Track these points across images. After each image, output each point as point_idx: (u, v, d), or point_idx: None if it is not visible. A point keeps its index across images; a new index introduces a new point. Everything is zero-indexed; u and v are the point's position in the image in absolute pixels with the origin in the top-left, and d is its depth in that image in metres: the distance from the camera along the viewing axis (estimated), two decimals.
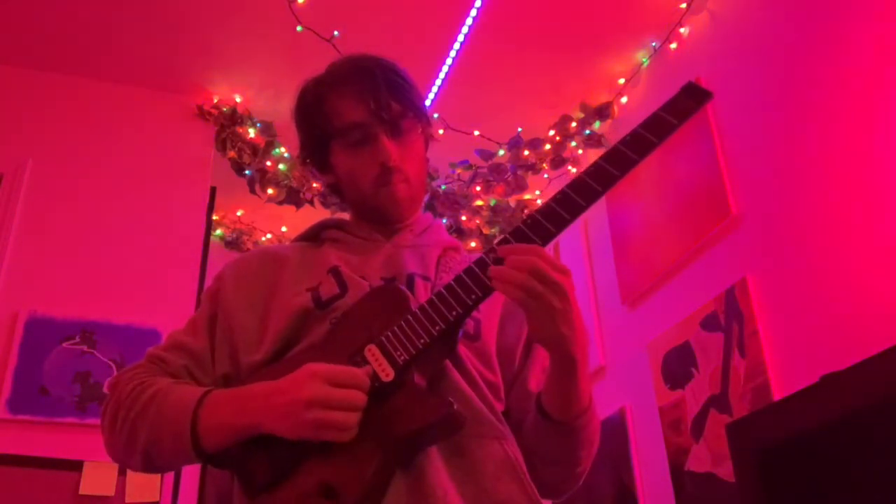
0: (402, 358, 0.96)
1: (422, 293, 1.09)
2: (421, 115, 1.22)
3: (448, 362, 1.03)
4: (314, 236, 1.25)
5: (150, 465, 1.06)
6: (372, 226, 1.22)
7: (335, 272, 1.12)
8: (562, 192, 0.97)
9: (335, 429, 0.92)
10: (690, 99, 0.99)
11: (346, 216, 1.30)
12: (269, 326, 1.09)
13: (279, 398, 0.95)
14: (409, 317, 0.98)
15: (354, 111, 1.16)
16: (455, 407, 0.94)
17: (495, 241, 0.99)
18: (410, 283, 1.11)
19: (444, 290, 0.98)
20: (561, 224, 0.97)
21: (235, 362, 1.10)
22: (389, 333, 0.98)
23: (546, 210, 0.97)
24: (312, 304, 1.08)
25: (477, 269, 0.97)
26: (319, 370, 0.94)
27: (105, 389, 2.65)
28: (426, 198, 3.50)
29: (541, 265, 0.92)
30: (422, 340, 0.96)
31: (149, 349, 1.15)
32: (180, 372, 1.10)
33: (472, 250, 3.17)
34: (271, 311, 1.11)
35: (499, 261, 0.95)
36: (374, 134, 1.16)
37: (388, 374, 0.95)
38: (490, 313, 1.15)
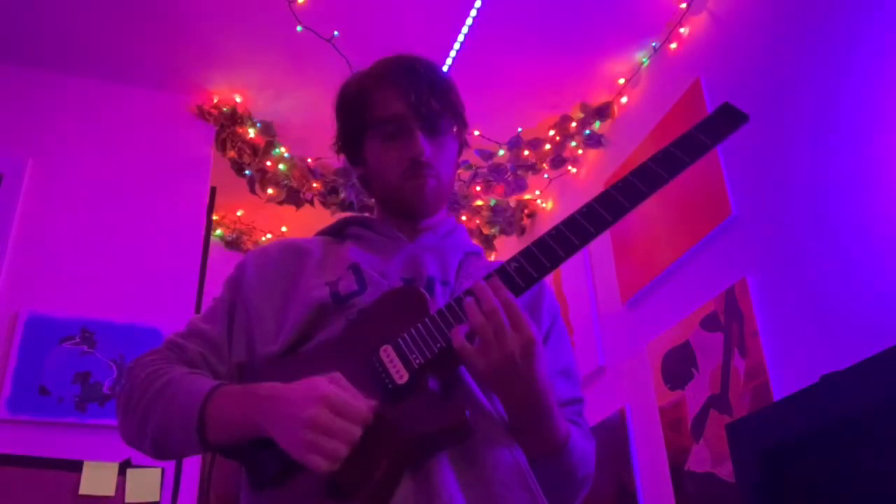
0: (418, 361, 0.96)
1: (441, 298, 1.09)
2: (459, 118, 1.23)
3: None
4: (337, 231, 1.25)
5: (160, 453, 1.06)
6: (396, 223, 1.22)
7: (355, 269, 1.12)
8: (592, 203, 1.00)
9: (323, 456, 0.88)
10: (725, 120, 1.00)
11: (353, 214, 1.30)
12: (288, 318, 1.09)
13: (284, 408, 0.92)
14: (427, 320, 0.98)
15: (394, 104, 1.17)
16: (468, 415, 0.93)
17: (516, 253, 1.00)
18: (430, 287, 1.10)
19: (463, 296, 0.97)
20: (602, 225, 1.00)
21: (252, 352, 1.09)
22: (406, 336, 0.98)
23: (573, 220, 1.00)
24: (330, 298, 1.08)
25: (497, 277, 0.97)
26: (329, 394, 0.90)
27: (106, 390, 2.65)
28: None
29: (512, 307, 0.94)
30: (438, 345, 0.96)
31: (168, 335, 1.15)
32: (196, 359, 1.09)
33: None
34: (290, 303, 1.10)
35: (509, 277, 0.97)
36: (410, 128, 1.17)
37: (402, 376, 0.95)
38: None
